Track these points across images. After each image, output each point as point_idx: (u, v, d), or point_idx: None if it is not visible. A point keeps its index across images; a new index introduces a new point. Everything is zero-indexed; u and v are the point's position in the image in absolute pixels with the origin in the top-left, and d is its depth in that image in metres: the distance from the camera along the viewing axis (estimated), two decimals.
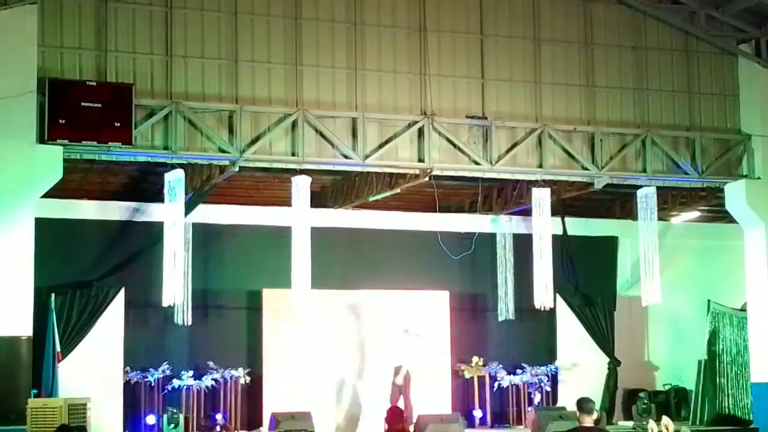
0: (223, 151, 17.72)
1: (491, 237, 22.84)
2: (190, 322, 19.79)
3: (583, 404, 10.42)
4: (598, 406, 20.95)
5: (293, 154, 18.07)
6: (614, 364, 22.73)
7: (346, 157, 18.34)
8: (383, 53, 18.81)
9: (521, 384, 22.72)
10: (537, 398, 22.70)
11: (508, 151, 19.22)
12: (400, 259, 22.44)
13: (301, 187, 18.50)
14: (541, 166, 19.43)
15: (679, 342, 23.28)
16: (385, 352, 21.57)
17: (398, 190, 19.77)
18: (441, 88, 18.99)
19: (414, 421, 18.79)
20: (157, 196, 19.23)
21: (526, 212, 21.01)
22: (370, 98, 18.62)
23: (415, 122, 18.67)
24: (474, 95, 19.22)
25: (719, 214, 23.27)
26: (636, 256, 21.23)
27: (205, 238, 20.76)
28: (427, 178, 18.95)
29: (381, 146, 18.50)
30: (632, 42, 20.35)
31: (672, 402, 22.71)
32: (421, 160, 18.74)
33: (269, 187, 20.92)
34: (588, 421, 10.38)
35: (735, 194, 20.71)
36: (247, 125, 17.82)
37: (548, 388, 22.86)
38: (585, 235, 23.18)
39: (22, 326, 16.64)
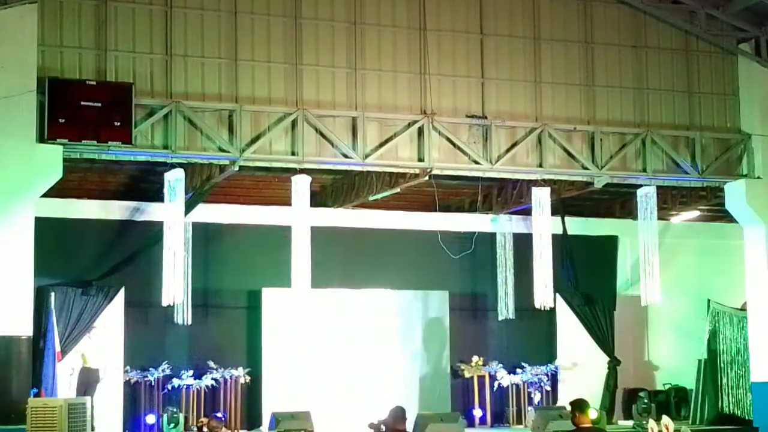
0: (223, 151, 17.72)
1: (491, 237, 22.84)
2: (190, 322, 19.77)
3: (581, 405, 10.41)
4: (597, 405, 21.01)
5: (293, 154, 18.07)
6: (614, 364, 22.71)
7: (346, 156, 18.33)
8: (383, 53, 18.80)
9: (521, 384, 22.74)
10: (537, 398, 22.70)
11: (508, 150, 19.21)
12: (400, 259, 22.46)
13: (301, 186, 18.50)
14: (541, 165, 19.42)
15: (679, 342, 23.25)
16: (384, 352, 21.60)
17: (398, 190, 19.77)
18: (441, 88, 18.98)
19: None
20: (157, 196, 19.23)
21: (526, 212, 21.02)
22: (370, 98, 18.61)
23: (415, 121, 18.66)
24: (474, 95, 19.22)
25: (719, 214, 23.26)
26: (636, 255, 21.22)
27: (205, 237, 20.77)
28: (427, 178, 18.95)
29: (381, 145, 18.49)
30: (632, 41, 20.34)
31: (672, 402, 22.68)
32: (421, 160, 18.73)
33: (269, 186, 20.91)
34: (586, 422, 10.38)
35: (735, 194, 20.70)
36: (247, 125, 17.82)
37: (548, 388, 22.87)
38: (585, 235, 23.16)
39: (22, 326, 16.65)
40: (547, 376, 22.89)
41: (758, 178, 20.60)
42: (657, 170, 20.15)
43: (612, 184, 20.41)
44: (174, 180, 18.00)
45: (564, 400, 21.85)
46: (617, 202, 23.69)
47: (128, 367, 20.25)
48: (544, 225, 20.05)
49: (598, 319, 22.93)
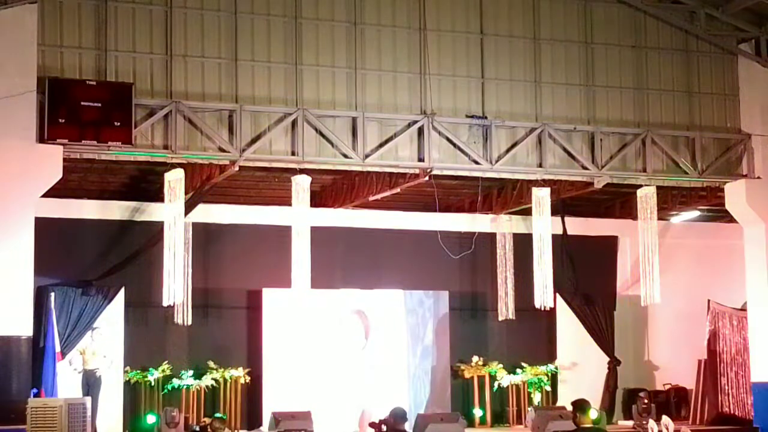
0: (223, 151, 17.72)
1: (491, 237, 22.83)
2: (190, 322, 19.75)
3: (583, 405, 10.41)
4: (597, 405, 21.01)
5: (293, 154, 18.07)
6: (614, 364, 22.73)
7: (346, 156, 18.33)
8: (383, 53, 18.81)
9: (521, 384, 22.73)
10: (537, 398, 22.70)
11: (508, 150, 19.22)
12: (400, 259, 22.46)
13: (301, 186, 18.50)
14: (541, 165, 19.42)
15: (679, 342, 23.25)
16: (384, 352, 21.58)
17: (398, 190, 19.77)
18: (441, 88, 18.99)
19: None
20: (157, 196, 19.23)
21: (526, 212, 21.01)
22: (370, 98, 18.62)
23: (415, 122, 18.66)
24: (474, 95, 19.22)
25: (719, 214, 23.27)
26: (636, 255, 21.22)
27: (205, 237, 20.77)
28: (426, 178, 18.95)
29: (381, 146, 18.50)
30: (632, 41, 20.35)
31: (672, 402, 22.70)
32: (421, 160, 18.73)
33: (269, 186, 20.91)
34: (587, 422, 10.38)
35: (735, 194, 20.71)
36: (247, 124, 17.82)
37: (548, 388, 22.87)
38: (585, 235, 23.16)
39: (22, 326, 16.65)
40: (547, 376, 22.88)
41: (758, 178, 20.61)
42: (657, 170, 20.16)
43: (612, 184, 20.40)
44: (174, 180, 18.00)
45: (564, 400, 21.84)
46: (617, 202, 23.68)
47: (128, 368, 20.24)
48: (544, 225, 20.04)
49: (598, 319, 22.94)
